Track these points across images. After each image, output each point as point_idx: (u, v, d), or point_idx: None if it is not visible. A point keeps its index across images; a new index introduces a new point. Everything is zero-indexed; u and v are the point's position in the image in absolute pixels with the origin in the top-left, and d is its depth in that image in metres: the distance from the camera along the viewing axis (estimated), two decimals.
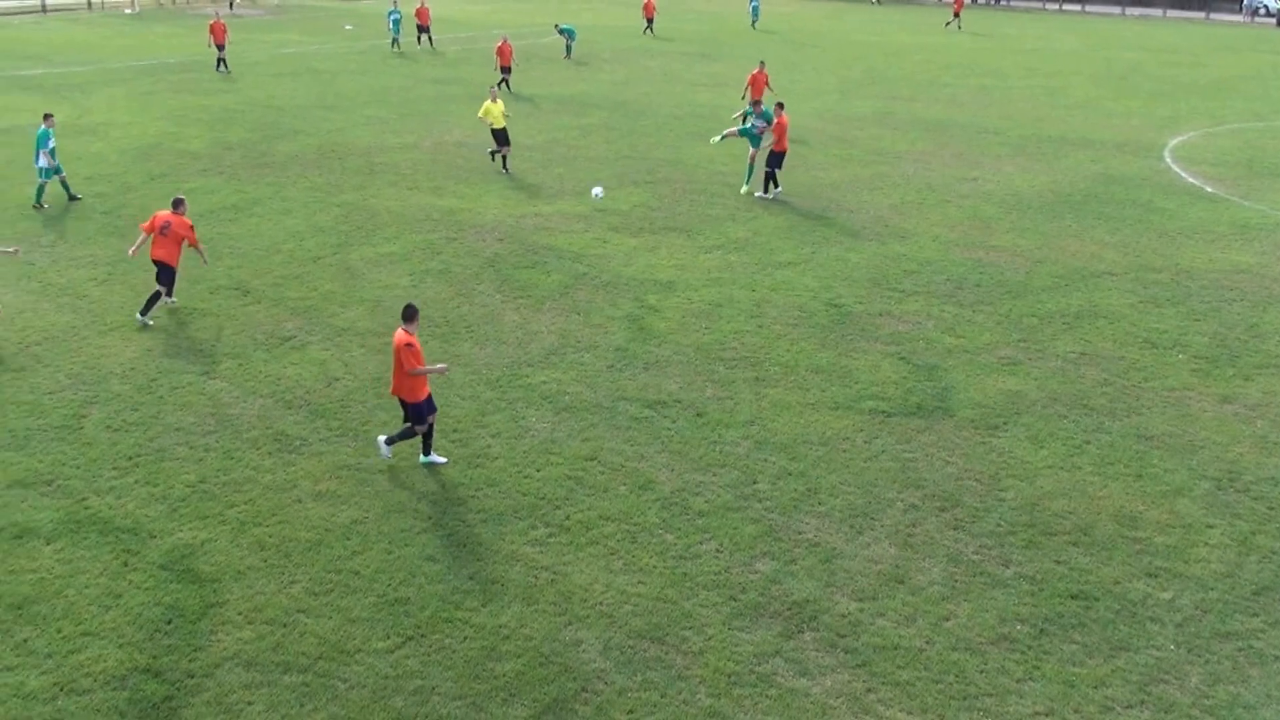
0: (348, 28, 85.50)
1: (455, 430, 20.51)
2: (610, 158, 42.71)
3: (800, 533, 17.61)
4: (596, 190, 31.84)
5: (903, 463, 19.82)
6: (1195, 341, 25.53)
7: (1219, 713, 14.02)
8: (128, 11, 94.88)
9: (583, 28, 76.23)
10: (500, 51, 57.55)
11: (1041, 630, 15.42)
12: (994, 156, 44.20)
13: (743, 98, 48.72)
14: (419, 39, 73.85)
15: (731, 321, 26.09)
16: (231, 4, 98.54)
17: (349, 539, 17.34)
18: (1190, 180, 40.96)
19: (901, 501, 18.55)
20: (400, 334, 18.75)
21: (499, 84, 56.18)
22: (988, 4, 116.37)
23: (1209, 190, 39.55)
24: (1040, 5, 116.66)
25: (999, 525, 17.88)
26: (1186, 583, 16.59)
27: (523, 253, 30.84)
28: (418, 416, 19.23)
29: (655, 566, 16.73)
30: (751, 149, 37.26)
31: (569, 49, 70.41)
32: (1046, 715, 13.88)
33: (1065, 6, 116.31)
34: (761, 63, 50.06)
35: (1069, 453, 20.33)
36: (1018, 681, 14.43)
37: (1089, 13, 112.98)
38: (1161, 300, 28.13)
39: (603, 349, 24.46)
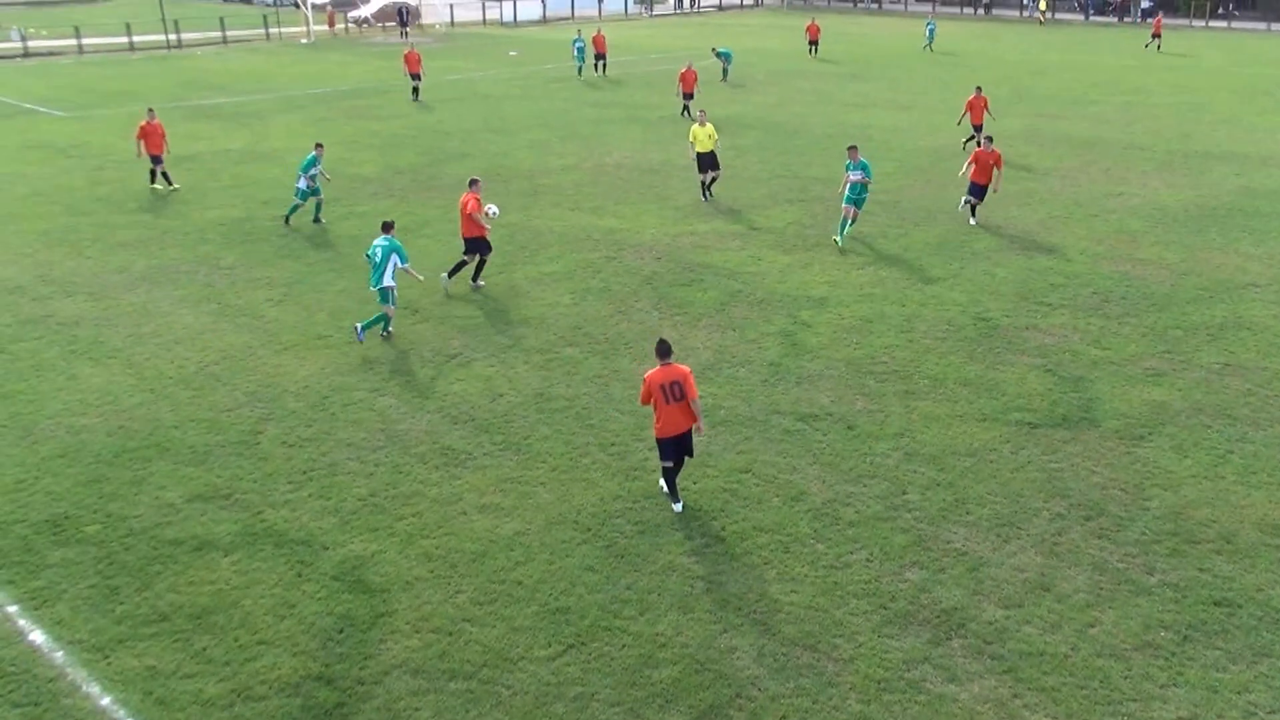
0: (512, 54, 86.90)
1: (613, 444, 21.01)
2: (764, 176, 43.15)
3: (948, 542, 17.84)
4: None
5: (1049, 473, 19.96)
6: None
7: None
8: (304, 41, 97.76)
9: (739, 51, 76.61)
10: (683, 78, 57.37)
11: (1185, 637, 15.51)
12: (1139, 172, 43.74)
13: (958, 123, 47.97)
14: (596, 66, 74.65)
15: (882, 336, 26.38)
16: (404, 33, 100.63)
17: (512, 550, 17.78)
18: None
19: (1047, 511, 18.71)
20: (673, 367, 18.42)
21: (682, 111, 56.95)
22: (1134, 22, 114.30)
23: None
24: (1186, 22, 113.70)
25: (1143, 534, 17.98)
26: None
27: (680, 271, 31.40)
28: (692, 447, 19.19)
29: (807, 576, 17.03)
30: (847, 206, 33.79)
31: (726, 72, 71.05)
32: None
33: (1211, 23, 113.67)
34: (978, 88, 47.78)
35: (1213, 462, 20.31)
36: (1161, 687, 14.54)
37: (1235, 29, 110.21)
38: None
39: (757, 364, 24.89)
